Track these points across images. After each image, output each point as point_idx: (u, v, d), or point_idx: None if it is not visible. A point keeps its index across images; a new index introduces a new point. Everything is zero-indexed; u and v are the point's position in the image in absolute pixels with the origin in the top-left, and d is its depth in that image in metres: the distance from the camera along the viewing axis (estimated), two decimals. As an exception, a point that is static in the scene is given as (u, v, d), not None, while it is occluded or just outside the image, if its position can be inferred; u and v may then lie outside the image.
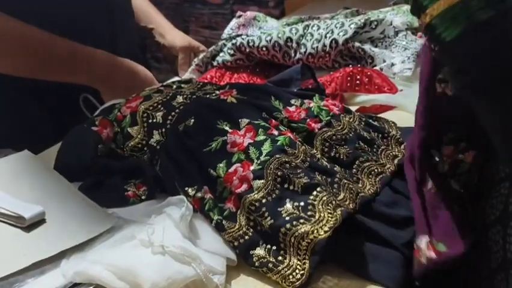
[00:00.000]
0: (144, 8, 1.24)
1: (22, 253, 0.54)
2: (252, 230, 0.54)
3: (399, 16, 1.15)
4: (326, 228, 0.51)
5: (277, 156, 0.58)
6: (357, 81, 0.98)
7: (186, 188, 0.60)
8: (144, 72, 0.99)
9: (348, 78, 0.98)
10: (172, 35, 1.22)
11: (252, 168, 0.57)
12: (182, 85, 0.79)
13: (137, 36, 1.29)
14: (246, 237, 0.54)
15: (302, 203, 0.53)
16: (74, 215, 0.60)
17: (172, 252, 0.50)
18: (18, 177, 0.70)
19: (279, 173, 0.56)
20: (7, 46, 0.84)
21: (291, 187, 0.55)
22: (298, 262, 0.50)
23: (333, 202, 0.54)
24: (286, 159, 0.58)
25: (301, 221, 0.52)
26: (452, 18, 0.39)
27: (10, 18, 0.82)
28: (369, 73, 0.98)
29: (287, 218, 0.52)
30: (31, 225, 0.58)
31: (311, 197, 0.54)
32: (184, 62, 1.17)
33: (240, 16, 1.19)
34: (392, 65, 1.00)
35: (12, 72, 0.87)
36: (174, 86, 0.79)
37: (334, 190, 0.58)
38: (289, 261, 0.51)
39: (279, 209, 0.53)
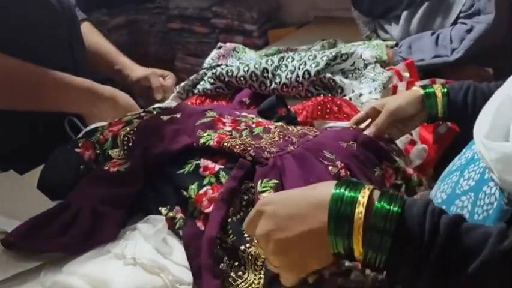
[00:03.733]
0: (105, 49, 1.24)
1: (4, 265, 0.58)
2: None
3: (368, 50, 1.23)
4: None
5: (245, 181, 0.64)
6: (327, 110, 1.04)
7: (160, 208, 0.65)
8: (124, 97, 1.03)
9: (319, 107, 1.04)
10: (137, 69, 1.27)
11: (221, 191, 0.63)
12: (163, 111, 0.85)
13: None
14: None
15: None
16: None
17: (143, 263, 0.54)
18: (3, 195, 0.75)
19: (245, 197, 0.61)
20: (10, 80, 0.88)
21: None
22: (255, 277, 0.55)
23: None
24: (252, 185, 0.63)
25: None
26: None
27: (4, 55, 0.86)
28: (338, 102, 1.04)
29: (247, 238, 0.57)
30: (14, 239, 0.62)
31: None
32: (157, 86, 1.23)
33: (220, 47, 1.26)
34: (360, 95, 1.07)
35: (9, 104, 0.91)
36: (154, 112, 0.84)
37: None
38: (248, 276, 0.56)
39: (241, 229, 0.58)
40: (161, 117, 0.76)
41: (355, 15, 1.55)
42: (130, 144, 0.75)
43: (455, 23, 1.25)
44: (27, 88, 0.91)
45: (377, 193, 0.45)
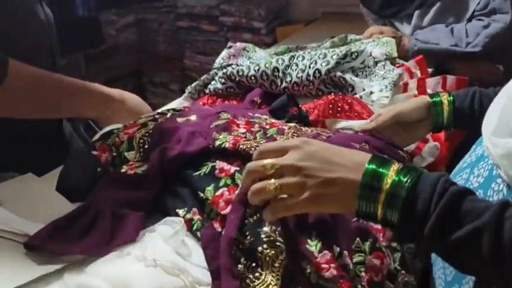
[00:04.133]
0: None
1: (24, 269, 0.60)
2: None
3: (378, 47, 1.23)
4: None
5: None
6: (339, 108, 1.05)
7: (177, 210, 0.66)
8: (132, 99, 1.03)
9: (330, 106, 1.05)
10: None
11: (237, 192, 0.64)
12: (177, 113, 0.86)
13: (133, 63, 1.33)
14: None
15: (279, 228, 0.59)
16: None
17: (163, 265, 0.56)
18: (23, 198, 0.76)
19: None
20: (23, 91, 0.88)
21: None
22: (272, 279, 0.56)
23: None
24: None
25: (277, 243, 0.58)
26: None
27: (20, 63, 0.87)
28: (349, 100, 1.05)
29: (265, 239, 0.58)
30: (36, 242, 0.64)
31: (289, 223, 0.60)
32: None
33: (230, 47, 1.27)
34: (371, 93, 1.07)
35: (24, 115, 0.91)
36: (168, 115, 0.85)
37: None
38: (265, 277, 0.57)
39: (258, 230, 0.59)
40: (177, 119, 0.78)
41: (364, 12, 1.56)
42: (146, 146, 0.77)
43: (469, 21, 1.25)
44: (47, 96, 0.92)
45: (402, 168, 0.51)
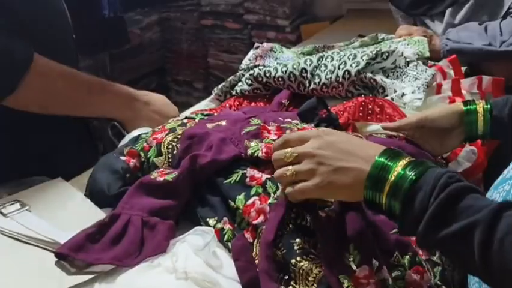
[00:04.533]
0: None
1: (56, 278, 0.59)
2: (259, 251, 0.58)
3: (410, 46, 1.20)
4: None
5: None
6: (369, 111, 1.02)
7: (207, 219, 0.65)
8: (158, 101, 1.03)
9: (361, 108, 1.02)
10: None
11: (269, 201, 0.62)
12: (205, 118, 0.84)
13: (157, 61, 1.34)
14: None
15: (312, 240, 0.57)
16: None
17: (194, 277, 0.54)
18: (52, 204, 0.76)
19: (293, 209, 0.60)
20: (52, 85, 0.89)
21: (303, 222, 0.59)
22: None
23: None
24: None
25: (311, 256, 0.56)
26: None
27: (47, 59, 0.88)
28: (380, 103, 1.02)
29: (298, 251, 0.56)
30: (66, 250, 0.64)
31: None
32: None
33: (257, 47, 1.25)
34: (403, 95, 1.04)
35: (50, 110, 0.92)
36: (197, 119, 0.84)
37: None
38: None
39: (291, 241, 0.57)
40: (206, 124, 0.76)
41: (393, 9, 1.52)
42: (175, 152, 0.76)
43: (503, 18, 1.20)
44: (72, 93, 0.92)
45: (410, 162, 0.52)
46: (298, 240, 0.57)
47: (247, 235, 0.61)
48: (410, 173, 0.51)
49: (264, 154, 0.67)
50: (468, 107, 0.78)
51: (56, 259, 0.61)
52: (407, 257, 0.57)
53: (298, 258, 0.56)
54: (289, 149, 0.58)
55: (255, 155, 0.66)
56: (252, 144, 0.69)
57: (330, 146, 0.56)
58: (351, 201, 0.58)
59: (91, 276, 0.59)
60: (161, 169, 0.71)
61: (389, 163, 0.52)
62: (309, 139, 0.57)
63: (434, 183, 0.49)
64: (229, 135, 0.71)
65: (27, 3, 0.89)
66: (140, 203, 0.66)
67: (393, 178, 0.51)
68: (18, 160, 0.94)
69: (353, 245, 0.56)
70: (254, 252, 0.59)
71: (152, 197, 0.67)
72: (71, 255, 0.60)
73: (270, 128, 0.73)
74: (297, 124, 0.79)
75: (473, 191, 0.49)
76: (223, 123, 0.76)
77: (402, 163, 0.52)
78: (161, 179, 0.68)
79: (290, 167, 0.57)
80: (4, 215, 0.70)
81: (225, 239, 0.63)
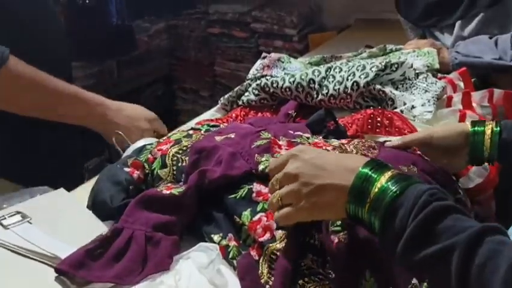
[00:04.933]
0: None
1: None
2: (273, 278, 0.56)
3: (419, 58, 1.18)
4: None
5: None
6: (378, 123, 1.00)
7: (212, 235, 0.63)
8: (131, 106, 1.03)
9: (369, 120, 1.00)
10: None
11: (275, 218, 0.60)
12: (211, 129, 0.83)
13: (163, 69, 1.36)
14: (267, 286, 0.56)
15: (321, 259, 0.55)
16: (106, 257, 0.63)
17: (198, 297, 0.53)
18: (54, 215, 0.75)
19: (300, 226, 0.58)
20: (22, 88, 0.90)
21: (311, 241, 0.57)
22: None
23: None
24: None
25: (320, 276, 0.54)
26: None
27: (23, 63, 0.89)
28: (389, 115, 1.00)
29: (306, 271, 0.54)
30: (67, 265, 0.62)
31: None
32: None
33: (265, 57, 1.23)
34: (413, 107, 1.02)
35: (21, 111, 0.94)
36: (203, 130, 0.83)
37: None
38: None
39: (298, 261, 0.55)
40: (215, 137, 0.74)
41: (402, 20, 1.50)
42: (180, 164, 0.74)
43: (514, 32, 1.18)
44: (43, 99, 0.93)
45: (395, 175, 0.51)
46: (305, 260, 0.55)
47: (253, 252, 0.59)
48: (393, 187, 0.49)
49: None
50: (475, 128, 0.74)
51: (54, 274, 0.60)
52: (425, 283, 0.55)
53: (306, 279, 0.54)
54: (275, 176, 0.58)
55: (267, 171, 0.65)
56: (263, 159, 0.67)
57: (306, 163, 0.55)
58: (339, 219, 0.56)
59: (90, 293, 0.57)
60: (169, 184, 0.70)
61: (373, 174, 0.51)
62: (287, 162, 0.57)
63: (414, 201, 0.47)
64: (239, 149, 0.70)
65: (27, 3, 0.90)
66: (144, 217, 0.64)
67: (376, 190, 0.50)
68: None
69: (369, 272, 0.53)
70: (260, 271, 0.57)
71: (156, 210, 0.65)
72: (71, 272, 0.58)
73: (280, 142, 0.71)
74: (308, 138, 0.77)
75: (455, 210, 0.47)
76: (232, 136, 0.74)
77: (386, 175, 0.51)
78: (168, 192, 0.66)
79: (275, 193, 0.57)
80: (4, 226, 0.68)
81: (230, 256, 0.61)
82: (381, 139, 0.97)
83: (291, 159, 0.56)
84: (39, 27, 1.00)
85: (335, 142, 0.76)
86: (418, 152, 0.72)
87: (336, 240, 0.56)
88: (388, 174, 0.51)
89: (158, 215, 0.64)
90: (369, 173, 0.51)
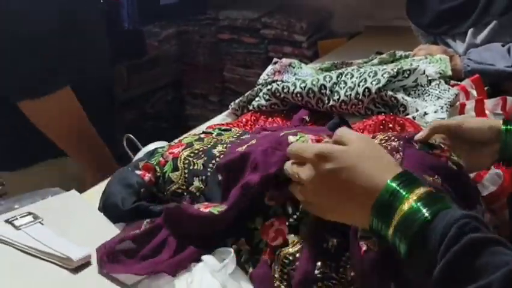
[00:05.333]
0: None
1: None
2: (285, 282, 0.56)
3: (432, 65, 1.17)
4: None
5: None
6: (390, 130, 0.99)
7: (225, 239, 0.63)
8: None
9: (381, 126, 1.00)
10: None
11: (287, 222, 0.59)
12: (223, 133, 0.83)
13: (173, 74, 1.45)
14: (280, 291, 0.56)
15: (334, 264, 0.55)
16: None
17: (210, 301, 0.52)
18: (65, 217, 0.75)
19: (313, 230, 0.58)
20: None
21: (325, 245, 0.57)
22: None
23: None
24: None
25: (333, 281, 0.53)
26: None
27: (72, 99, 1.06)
28: (401, 122, 0.99)
29: (319, 276, 0.54)
30: (78, 267, 0.62)
31: (343, 258, 0.55)
32: None
33: (276, 62, 1.23)
34: (425, 114, 1.01)
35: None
36: (214, 133, 0.82)
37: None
38: None
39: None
40: (237, 149, 0.70)
41: (413, 27, 1.50)
42: (191, 167, 0.74)
43: (528, 39, 1.18)
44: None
45: (427, 195, 0.47)
46: (319, 263, 0.54)
47: (265, 257, 0.59)
48: (424, 210, 0.45)
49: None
50: (508, 126, 0.71)
51: (67, 274, 0.60)
52: None
53: (319, 284, 0.53)
54: (294, 168, 0.56)
55: (287, 150, 0.59)
56: (297, 137, 0.64)
57: (326, 179, 0.52)
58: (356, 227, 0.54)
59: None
60: (206, 203, 0.67)
61: (401, 190, 0.47)
62: (306, 163, 0.54)
63: (445, 230, 0.43)
64: (269, 142, 0.66)
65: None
66: (178, 231, 0.63)
67: (405, 210, 0.46)
68: None
69: (394, 286, 0.51)
70: (271, 274, 0.57)
71: (191, 227, 0.63)
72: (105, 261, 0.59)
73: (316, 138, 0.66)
74: None
75: (490, 242, 0.43)
76: (254, 141, 0.71)
77: (416, 194, 0.46)
78: (206, 210, 0.63)
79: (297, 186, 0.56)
80: (16, 227, 0.68)
81: (242, 259, 0.60)
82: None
83: (312, 166, 0.53)
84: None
85: None
86: (446, 154, 0.66)
87: (364, 248, 0.53)
88: (418, 192, 0.47)
89: (192, 231, 0.63)
90: (397, 188, 0.48)
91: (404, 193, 0.47)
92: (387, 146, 0.63)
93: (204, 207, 0.63)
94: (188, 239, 0.62)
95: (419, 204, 0.46)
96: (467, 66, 1.20)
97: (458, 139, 0.72)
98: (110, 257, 0.59)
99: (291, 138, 0.64)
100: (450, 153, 0.65)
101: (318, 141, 0.62)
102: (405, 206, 0.46)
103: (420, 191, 0.47)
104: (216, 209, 0.62)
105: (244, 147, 0.69)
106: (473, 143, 0.73)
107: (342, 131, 0.56)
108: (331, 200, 0.52)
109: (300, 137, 0.64)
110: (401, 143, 0.64)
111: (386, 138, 0.66)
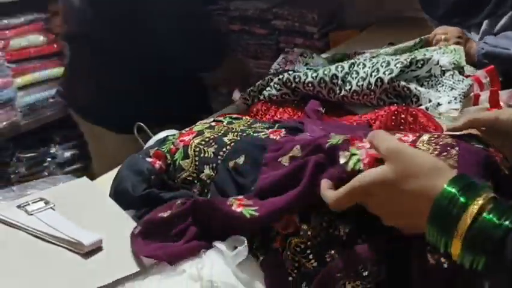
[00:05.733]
0: None
1: (80, 279, 0.58)
2: (296, 271, 0.55)
3: (446, 55, 1.15)
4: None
5: None
6: (402, 120, 0.98)
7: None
8: None
9: (393, 117, 0.98)
10: None
11: (299, 211, 0.59)
12: (233, 121, 0.82)
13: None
14: (290, 278, 0.56)
15: (347, 251, 0.54)
16: (129, 244, 0.63)
17: None
18: (76, 203, 0.75)
19: (325, 218, 0.57)
20: None
21: (336, 232, 0.56)
22: None
23: None
24: None
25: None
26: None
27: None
28: (414, 112, 0.98)
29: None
30: (89, 252, 0.62)
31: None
32: None
33: (287, 52, 1.22)
34: (439, 104, 1.00)
35: None
36: (225, 122, 0.82)
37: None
38: None
39: (323, 253, 0.54)
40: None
41: (427, 17, 1.48)
42: (202, 154, 0.73)
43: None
44: None
45: (490, 203, 0.43)
46: (332, 251, 0.54)
47: (276, 245, 0.58)
48: (497, 217, 0.41)
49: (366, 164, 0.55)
50: None
51: (78, 259, 0.60)
52: None
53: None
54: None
55: (357, 168, 0.55)
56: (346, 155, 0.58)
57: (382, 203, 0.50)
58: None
59: (111, 280, 0.57)
60: (240, 196, 0.63)
61: (461, 198, 0.43)
62: (360, 188, 0.51)
63: None
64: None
65: None
66: (204, 225, 0.62)
67: (470, 220, 0.42)
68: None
69: None
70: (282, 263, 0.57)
71: (217, 224, 0.62)
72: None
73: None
74: None
75: None
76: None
77: (480, 201, 0.43)
78: (239, 209, 0.60)
79: None
80: (28, 212, 0.69)
81: (254, 247, 0.60)
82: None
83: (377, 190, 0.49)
84: None
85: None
86: (500, 155, 0.61)
87: (431, 261, 0.49)
88: (483, 198, 0.43)
89: (217, 229, 0.62)
90: (457, 195, 0.44)
91: (463, 200, 0.43)
92: (438, 141, 0.59)
93: (238, 205, 0.60)
94: (211, 231, 0.61)
95: (491, 216, 0.42)
96: (481, 49, 1.18)
97: (493, 131, 0.66)
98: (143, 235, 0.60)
99: (341, 159, 0.58)
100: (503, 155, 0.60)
101: (373, 157, 0.56)
102: (471, 216, 0.42)
103: (484, 197, 0.43)
104: (248, 210, 0.59)
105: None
106: (507, 135, 0.65)
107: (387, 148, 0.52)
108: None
109: (338, 140, 0.60)
110: (454, 139, 0.60)
111: (436, 136, 0.61)
